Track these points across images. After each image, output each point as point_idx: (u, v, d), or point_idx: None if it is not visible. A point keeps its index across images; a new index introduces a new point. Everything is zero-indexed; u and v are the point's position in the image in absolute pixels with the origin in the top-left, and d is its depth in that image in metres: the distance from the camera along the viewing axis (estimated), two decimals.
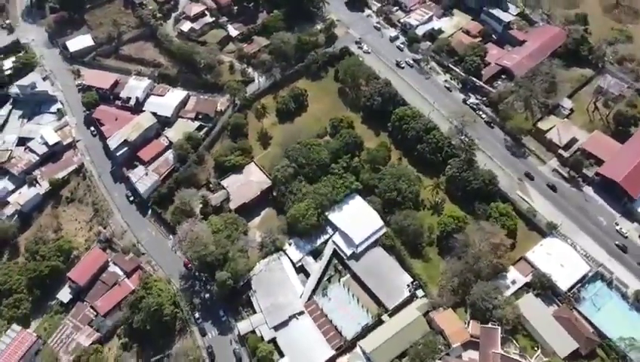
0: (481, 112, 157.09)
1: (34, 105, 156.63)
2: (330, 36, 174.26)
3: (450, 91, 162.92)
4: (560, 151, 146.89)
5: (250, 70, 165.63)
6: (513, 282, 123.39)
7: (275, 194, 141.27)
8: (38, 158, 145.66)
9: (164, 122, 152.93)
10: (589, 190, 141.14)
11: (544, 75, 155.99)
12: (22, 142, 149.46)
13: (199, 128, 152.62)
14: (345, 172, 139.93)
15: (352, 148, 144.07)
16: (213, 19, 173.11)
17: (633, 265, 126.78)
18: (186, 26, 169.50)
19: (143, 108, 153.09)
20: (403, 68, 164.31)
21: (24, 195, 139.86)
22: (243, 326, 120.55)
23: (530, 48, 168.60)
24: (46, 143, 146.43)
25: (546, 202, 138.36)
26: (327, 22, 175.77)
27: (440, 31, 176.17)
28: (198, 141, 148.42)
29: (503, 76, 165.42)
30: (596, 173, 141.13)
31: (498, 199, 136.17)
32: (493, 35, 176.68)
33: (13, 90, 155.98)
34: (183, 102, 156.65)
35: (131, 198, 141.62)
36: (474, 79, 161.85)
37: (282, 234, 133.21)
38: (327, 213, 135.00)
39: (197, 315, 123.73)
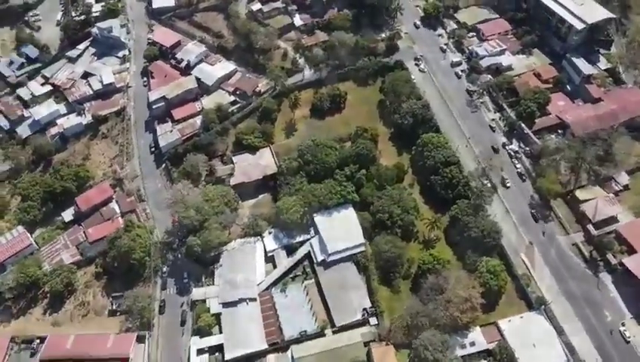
0: (516, 161, 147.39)
1: (106, 47, 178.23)
2: (391, 47, 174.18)
3: (494, 131, 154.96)
4: (589, 226, 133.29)
5: (301, 61, 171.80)
6: (472, 344, 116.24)
7: (276, 182, 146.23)
8: (91, 93, 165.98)
9: (205, 89, 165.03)
10: (606, 278, 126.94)
11: (601, 141, 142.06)
12: (86, 75, 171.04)
13: (233, 103, 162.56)
14: (347, 181, 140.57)
15: (363, 160, 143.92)
16: (284, 5, 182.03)
17: None
18: (255, 6, 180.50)
19: (191, 72, 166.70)
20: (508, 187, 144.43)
21: (70, 121, 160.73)
22: (197, 293, 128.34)
23: (603, 109, 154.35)
24: (101, 82, 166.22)
25: (549, 275, 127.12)
26: (393, 32, 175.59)
27: (509, 67, 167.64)
28: (227, 114, 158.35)
29: (559, 130, 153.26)
30: (621, 262, 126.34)
31: (496, 255, 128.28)
32: (568, 86, 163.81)
33: (94, 30, 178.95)
34: (228, 76, 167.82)
35: (152, 149, 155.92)
36: (523, 125, 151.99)
37: (267, 221, 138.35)
38: (315, 215, 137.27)
39: (164, 269, 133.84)
